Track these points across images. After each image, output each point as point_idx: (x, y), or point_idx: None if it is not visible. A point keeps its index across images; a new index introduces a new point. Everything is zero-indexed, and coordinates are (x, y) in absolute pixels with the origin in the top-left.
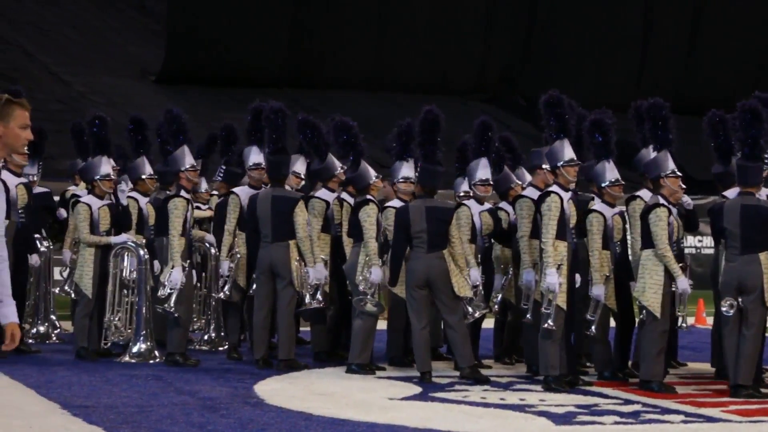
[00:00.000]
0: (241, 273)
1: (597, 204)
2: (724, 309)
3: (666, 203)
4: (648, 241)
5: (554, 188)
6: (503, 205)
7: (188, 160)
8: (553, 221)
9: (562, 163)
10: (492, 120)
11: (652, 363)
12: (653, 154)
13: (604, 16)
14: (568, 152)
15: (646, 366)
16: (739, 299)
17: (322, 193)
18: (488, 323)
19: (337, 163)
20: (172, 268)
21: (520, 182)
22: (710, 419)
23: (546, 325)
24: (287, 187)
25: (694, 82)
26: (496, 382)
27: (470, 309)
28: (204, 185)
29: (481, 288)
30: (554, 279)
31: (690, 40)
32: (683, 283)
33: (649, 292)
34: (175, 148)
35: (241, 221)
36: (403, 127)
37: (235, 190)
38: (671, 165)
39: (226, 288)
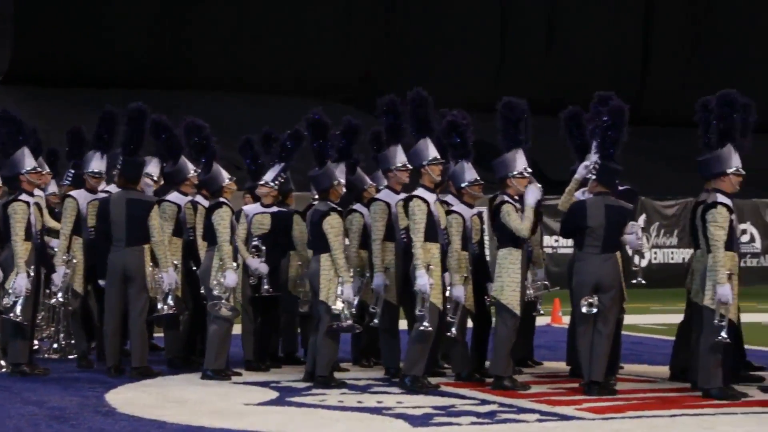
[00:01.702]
0: (77, 279)
1: (456, 205)
2: (584, 308)
3: (511, 201)
4: (504, 240)
5: (419, 191)
6: (358, 207)
7: (28, 162)
8: (421, 224)
9: (426, 162)
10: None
11: (503, 359)
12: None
13: (462, 14)
14: (431, 151)
15: (497, 362)
16: (596, 297)
17: (174, 196)
18: None
19: (190, 166)
20: (17, 275)
21: (374, 184)
22: (564, 417)
23: (422, 327)
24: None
25: (551, 82)
26: (354, 385)
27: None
28: (52, 188)
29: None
30: (424, 280)
31: (547, 38)
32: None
33: (507, 290)
34: (14, 150)
35: (77, 226)
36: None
37: (72, 193)
38: (519, 165)
39: (59, 295)
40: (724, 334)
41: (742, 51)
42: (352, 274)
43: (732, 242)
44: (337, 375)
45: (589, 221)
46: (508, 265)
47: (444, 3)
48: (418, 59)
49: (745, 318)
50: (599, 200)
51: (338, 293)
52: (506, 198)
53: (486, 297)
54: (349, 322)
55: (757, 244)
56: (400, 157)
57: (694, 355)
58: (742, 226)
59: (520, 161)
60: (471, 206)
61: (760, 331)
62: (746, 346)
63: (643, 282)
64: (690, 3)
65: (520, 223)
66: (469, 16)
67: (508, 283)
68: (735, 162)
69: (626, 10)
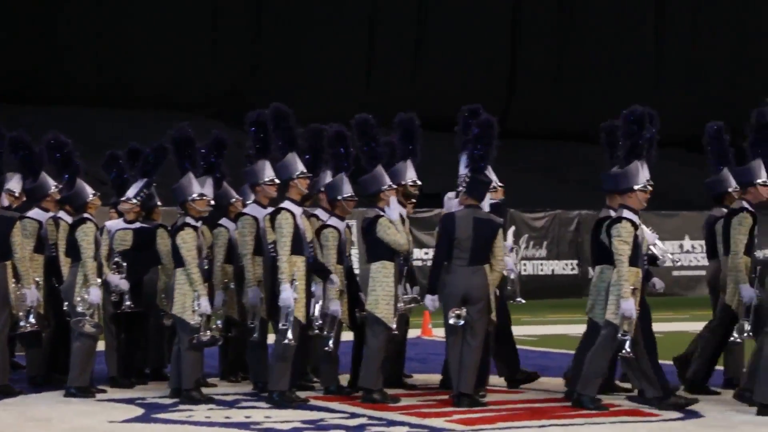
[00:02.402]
0: None
1: (329, 218)
2: (452, 320)
3: (384, 214)
4: (377, 254)
5: (286, 204)
6: (224, 221)
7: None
8: (288, 237)
9: (295, 175)
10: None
11: (373, 373)
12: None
13: (330, 29)
14: (299, 165)
15: (367, 375)
16: (464, 309)
17: (35, 212)
18: None
19: (51, 182)
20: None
21: (241, 198)
22: (434, 429)
23: (286, 341)
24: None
25: (419, 97)
26: (221, 401)
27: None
28: None
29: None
30: (288, 294)
31: (415, 54)
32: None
33: (381, 303)
34: None
35: None
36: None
37: None
38: (388, 180)
39: None
40: (627, 347)
41: (606, 66)
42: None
43: (636, 258)
44: (205, 390)
45: (457, 233)
46: (381, 278)
47: (311, 17)
48: (286, 74)
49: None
50: (469, 213)
51: (195, 307)
52: (381, 212)
53: (357, 310)
54: (209, 334)
55: None
56: (267, 171)
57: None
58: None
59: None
60: (342, 219)
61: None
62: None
63: (522, 301)
64: (556, 20)
65: (398, 236)
66: (337, 31)
67: (383, 297)
68: (642, 178)
69: (494, 26)
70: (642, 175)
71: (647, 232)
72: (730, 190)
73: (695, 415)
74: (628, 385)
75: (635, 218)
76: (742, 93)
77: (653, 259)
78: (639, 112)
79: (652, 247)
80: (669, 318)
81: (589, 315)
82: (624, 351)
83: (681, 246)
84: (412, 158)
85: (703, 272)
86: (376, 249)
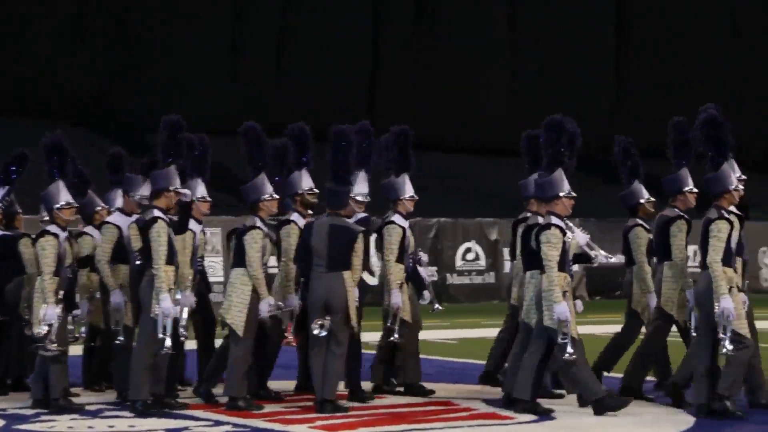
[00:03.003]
0: None
1: (191, 223)
2: (315, 330)
3: (259, 225)
4: (239, 261)
5: (155, 213)
6: (89, 229)
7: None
8: (164, 247)
9: (173, 187)
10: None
11: (237, 380)
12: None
13: (194, 36)
14: (175, 179)
15: (231, 383)
16: (327, 318)
17: None
18: (76, 350)
19: None
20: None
21: (106, 206)
22: None
23: (164, 350)
24: None
25: (280, 106)
26: (85, 410)
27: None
28: None
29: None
30: (169, 303)
31: (277, 62)
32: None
33: (234, 310)
34: None
35: None
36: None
37: None
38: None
39: None
40: (570, 349)
41: (463, 76)
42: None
43: (564, 263)
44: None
45: (312, 241)
46: (239, 285)
47: (177, 25)
48: (151, 83)
49: (470, 333)
50: (326, 221)
51: (41, 317)
52: (257, 222)
53: (219, 316)
54: (54, 347)
55: (482, 262)
56: (145, 187)
57: (520, 369)
58: (467, 245)
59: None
60: (200, 222)
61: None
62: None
63: (440, 308)
64: (413, 31)
65: (254, 253)
66: (201, 38)
67: (236, 303)
68: (567, 185)
69: (355, 37)
70: (566, 182)
71: (579, 233)
72: (642, 201)
73: (549, 417)
74: (562, 391)
75: (562, 224)
76: (598, 103)
77: (587, 259)
78: (559, 120)
79: (585, 247)
80: None
81: (525, 320)
82: (567, 354)
83: None
84: (306, 167)
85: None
86: (241, 257)
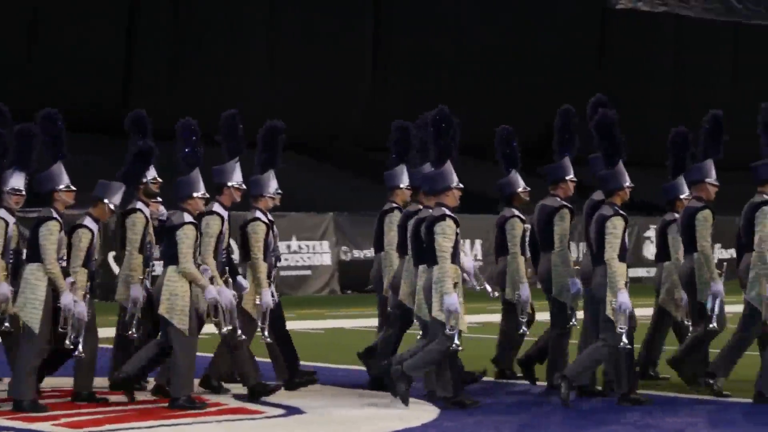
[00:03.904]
0: None
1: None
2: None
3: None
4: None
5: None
6: None
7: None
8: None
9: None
10: None
11: (24, 381)
12: None
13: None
14: (64, 177)
15: (17, 384)
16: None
17: None
18: None
19: None
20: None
21: None
22: None
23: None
24: None
25: (31, 92)
26: None
27: None
28: None
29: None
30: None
31: (28, 48)
32: (66, 298)
33: (29, 307)
34: None
35: None
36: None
37: None
38: (65, 179)
39: None
40: (457, 341)
41: (220, 69)
42: None
43: (456, 255)
44: None
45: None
46: (33, 281)
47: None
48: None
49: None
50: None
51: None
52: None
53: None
54: None
55: None
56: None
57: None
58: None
59: (64, 175)
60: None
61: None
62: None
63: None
64: (171, 26)
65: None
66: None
67: (31, 300)
68: (455, 177)
69: (109, 28)
70: (455, 174)
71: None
72: (519, 190)
73: (297, 411)
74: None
75: (456, 216)
76: (355, 91)
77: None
78: (446, 113)
79: (470, 276)
80: None
81: (418, 314)
82: (454, 344)
83: (288, 246)
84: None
85: (308, 272)
86: (35, 249)
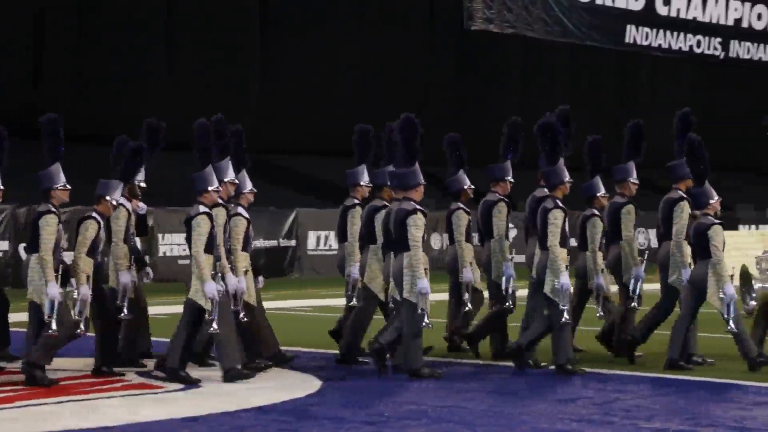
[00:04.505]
0: None
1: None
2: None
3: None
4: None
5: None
6: None
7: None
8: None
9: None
10: None
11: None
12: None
13: None
14: (61, 177)
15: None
16: None
17: None
18: None
19: None
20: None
21: None
22: None
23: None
24: None
25: None
26: None
27: None
28: None
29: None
30: (55, 290)
31: None
32: (52, 289)
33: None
34: None
35: None
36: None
37: None
38: (62, 178)
39: None
40: (426, 320)
41: (121, 71)
42: None
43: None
44: None
45: None
46: (39, 270)
47: None
48: None
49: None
50: None
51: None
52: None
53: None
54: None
55: None
56: None
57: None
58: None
59: (61, 175)
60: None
61: None
62: None
63: None
64: (76, 29)
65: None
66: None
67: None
68: (421, 175)
69: (16, 30)
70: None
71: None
72: (465, 187)
73: (196, 386)
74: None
75: (425, 210)
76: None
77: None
78: (413, 120)
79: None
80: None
81: (393, 295)
82: (424, 323)
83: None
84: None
85: None
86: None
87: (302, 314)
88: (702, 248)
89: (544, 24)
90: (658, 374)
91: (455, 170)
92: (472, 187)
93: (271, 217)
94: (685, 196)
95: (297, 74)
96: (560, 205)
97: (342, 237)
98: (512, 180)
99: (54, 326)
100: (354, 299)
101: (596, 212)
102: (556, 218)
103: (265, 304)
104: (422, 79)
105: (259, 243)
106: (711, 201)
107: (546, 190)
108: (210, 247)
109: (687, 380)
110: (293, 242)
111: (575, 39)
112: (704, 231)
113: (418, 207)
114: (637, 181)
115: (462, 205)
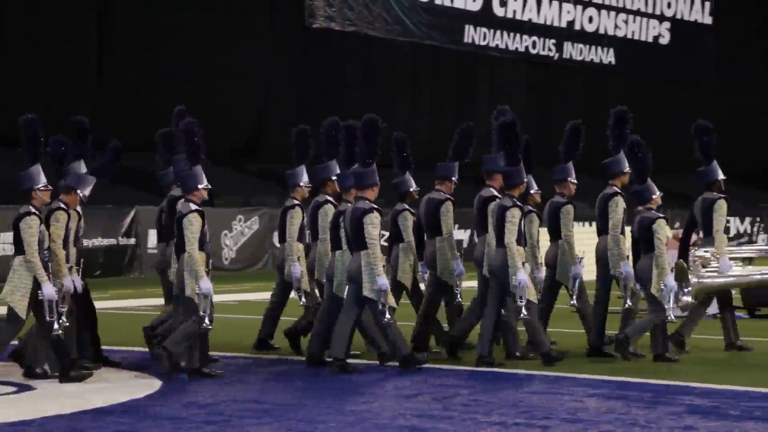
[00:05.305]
0: None
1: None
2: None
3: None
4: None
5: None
6: None
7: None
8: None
9: (40, 186)
10: None
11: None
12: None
13: None
14: (42, 177)
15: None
16: None
17: None
18: None
19: None
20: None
21: None
22: None
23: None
24: None
25: None
26: None
27: None
28: None
29: None
30: (51, 290)
31: None
32: (48, 288)
33: (17, 294)
34: None
35: None
36: None
37: None
38: (43, 179)
39: None
40: (388, 315)
41: (46, 73)
42: None
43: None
44: None
45: None
46: (21, 272)
47: None
48: None
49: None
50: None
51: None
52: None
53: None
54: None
55: None
56: None
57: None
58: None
59: (42, 175)
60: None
61: None
62: None
63: None
64: None
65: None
66: None
67: (19, 288)
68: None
69: None
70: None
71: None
72: (411, 189)
73: (29, 388)
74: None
75: (380, 209)
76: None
77: None
78: (374, 121)
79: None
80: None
81: (336, 293)
82: (386, 318)
83: None
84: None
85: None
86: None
87: (142, 314)
88: (646, 242)
89: (385, 23)
90: (496, 369)
91: (402, 172)
92: (418, 188)
93: (110, 215)
94: (619, 191)
95: (137, 73)
96: (518, 203)
97: (282, 237)
98: (457, 181)
99: (56, 326)
100: (302, 298)
101: (532, 209)
102: (514, 216)
103: (104, 304)
104: (263, 78)
105: (97, 241)
106: (653, 196)
107: (492, 189)
108: (202, 244)
109: (523, 374)
110: (132, 240)
111: (415, 38)
112: (649, 225)
113: (374, 206)
114: (575, 181)
115: (407, 206)
